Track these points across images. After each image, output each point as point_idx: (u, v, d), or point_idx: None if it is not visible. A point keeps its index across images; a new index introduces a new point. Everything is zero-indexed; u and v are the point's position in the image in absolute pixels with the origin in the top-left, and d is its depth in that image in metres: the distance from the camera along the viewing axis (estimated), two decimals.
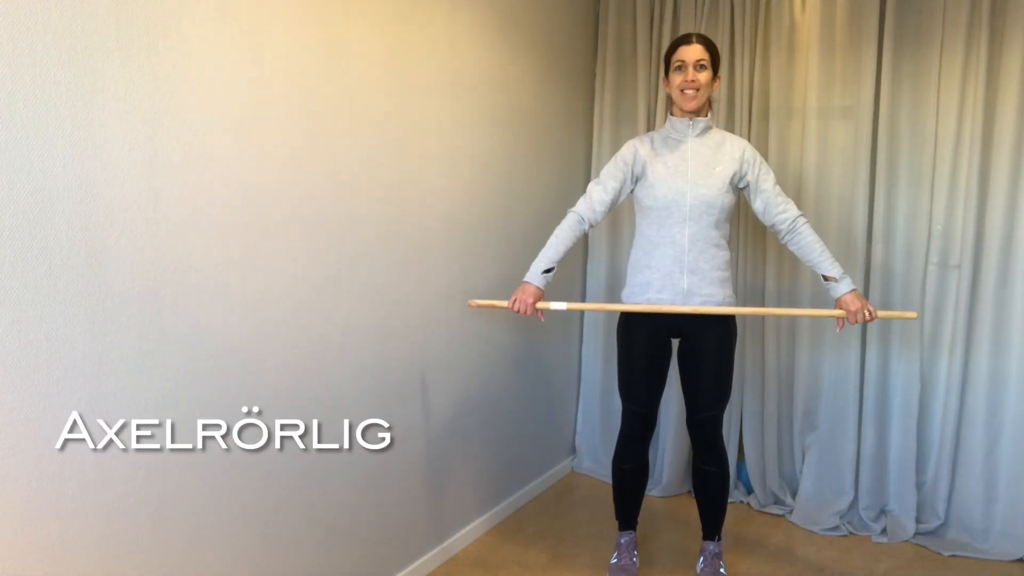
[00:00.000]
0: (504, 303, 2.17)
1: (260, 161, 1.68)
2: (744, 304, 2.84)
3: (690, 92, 2.16)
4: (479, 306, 2.22)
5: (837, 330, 2.19)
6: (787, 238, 2.21)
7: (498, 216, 2.61)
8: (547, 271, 2.19)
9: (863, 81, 2.62)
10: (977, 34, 2.45)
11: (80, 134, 1.32)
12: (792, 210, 2.20)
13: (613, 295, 3.18)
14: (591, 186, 2.30)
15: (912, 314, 2.17)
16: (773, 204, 2.19)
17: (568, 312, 3.18)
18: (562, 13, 2.91)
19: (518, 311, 2.14)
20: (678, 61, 2.17)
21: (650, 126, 3.01)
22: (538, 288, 2.17)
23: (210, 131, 1.56)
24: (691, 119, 2.20)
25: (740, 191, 2.26)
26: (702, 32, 2.72)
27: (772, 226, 2.23)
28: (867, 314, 2.07)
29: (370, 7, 1.95)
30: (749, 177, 2.20)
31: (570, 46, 2.99)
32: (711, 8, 2.85)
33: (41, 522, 1.34)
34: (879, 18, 2.58)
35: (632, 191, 2.28)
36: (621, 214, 3.12)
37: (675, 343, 2.33)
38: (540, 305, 2.16)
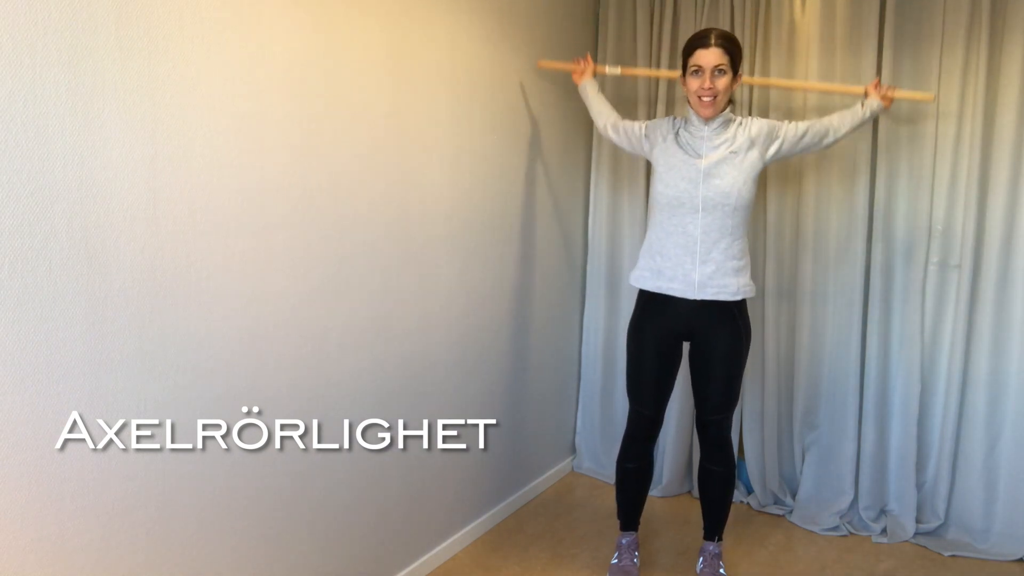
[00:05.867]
0: (571, 65, 2.64)
1: (260, 161, 1.68)
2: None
3: (707, 100, 2.10)
4: (548, 66, 2.71)
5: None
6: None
7: (498, 216, 2.61)
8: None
9: (863, 81, 2.61)
10: (977, 34, 2.45)
11: (80, 134, 1.32)
12: (828, 140, 2.27)
13: (612, 286, 3.18)
14: (618, 121, 2.47)
15: (929, 95, 2.42)
16: (813, 144, 2.27)
17: (568, 313, 3.19)
18: (562, 13, 2.91)
19: (580, 71, 2.60)
20: (695, 65, 2.09)
21: None
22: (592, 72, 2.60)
23: (210, 131, 1.56)
24: (707, 120, 2.17)
25: (768, 166, 2.27)
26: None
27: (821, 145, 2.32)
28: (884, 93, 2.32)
29: (370, 7, 1.95)
30: (769, 151, 2.19)
31: (570, 46, 2.99)
32: (711, 8, 2.85)
33: (41, 522, 1.34)
34: (879, 18, 2.58)
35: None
36: (620, 206, 3.12)
37: (685, 346, 2.33)
38: (598, 70, 2.63)
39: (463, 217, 2.41)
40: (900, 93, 2.38)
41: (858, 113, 2.30)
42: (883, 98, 2.32)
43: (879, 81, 2.39)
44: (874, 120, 2.62)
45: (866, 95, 2.34)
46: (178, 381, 1.56)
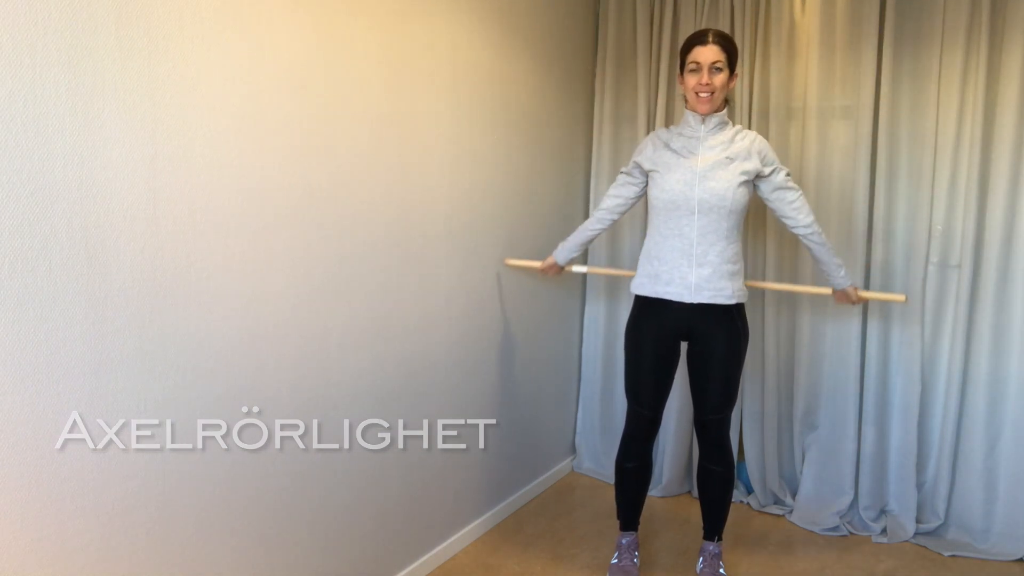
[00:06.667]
0: (536, 264, 2.62)
1: (260, 161, 1.68)
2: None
3: (704, 95, 2.13)
4: (514, 265, 2.67)
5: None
6: (798, 238, 2.32)
7: (498, 216, 2.61)
8: (571, 255, 2.58)
9: (863, 81, 2.62)
10: (977, 34, 2.45)
11: (80, 134, 1.32)
12: (801, 223, 2.23)
13: (613, 289, 3.18)
14: (607, 192, 2.46)
15: (900, 296, 2.38)
16: (784, 213, 2.26)
17: (568, 313, 3.19)
18: (562, 13, 2.91)
19: (545, 274, 2.64)
20: (693, 63, 2.13)
21: (650, 126, 3.01)
22: (562, 266, 2.60)
23: (210, 131, 1.56)
24: (704, 117, 2.19)
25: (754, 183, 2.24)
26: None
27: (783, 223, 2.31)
28: (853, 300, 2.38)
29: (370, 7, 1.95)
30: (762, 172, 2.19)
31: (570, 46, 2.99)
32: (711, 8, 2.85)
33: (41, 522, 1.34)
34: (879, 18, 2.58)
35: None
36: None
37: (683, 345, 2.34)
38: (565, 270, 2.65)
39: (463, 217, 2.41)
40: (869, 295, 2.45)
41: (834, 258, 2.30)
42: (857, 296, 2.37)
43: (855, 287, 2.37)
44: (873, 120, 2.63)
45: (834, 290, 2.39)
46: (178, 381, 1.56)
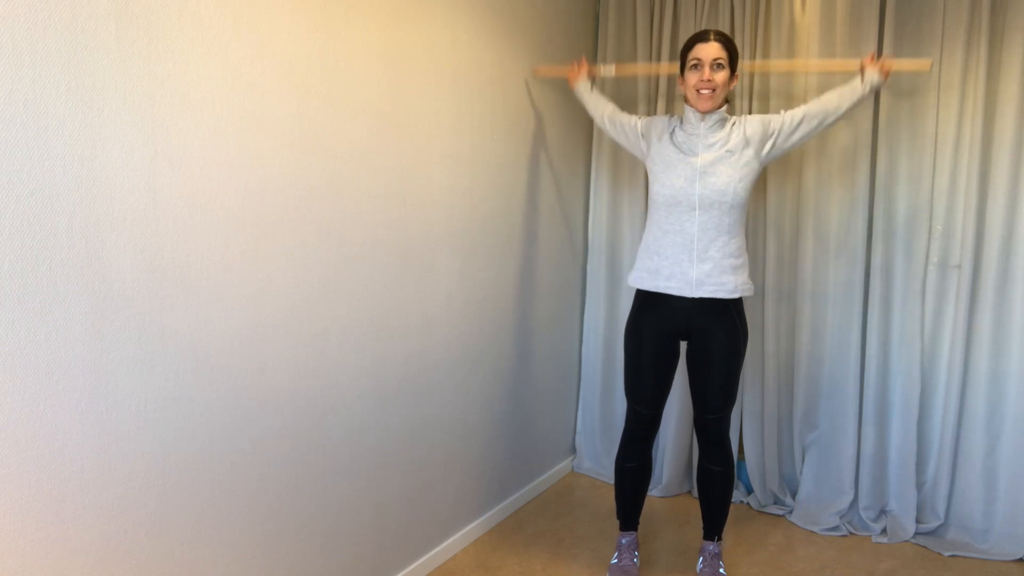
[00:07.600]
0: (565, 69, 2.70)
1: (260, 161, 1.68)
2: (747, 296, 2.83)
3: (705, 92, 2.12)
4: (544, 72, 2.75)
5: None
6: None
7: (498, 216, 2.61)
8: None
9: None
10: (977, 34, 2.45)
11: (80, 134, 1.32)
12: (817, 119, 2.21)
13: (612, 286, 3.18)
14: (614, 113, 2.47)
15: (926, 64, 2.27)
16: (810, 128, 2.22)
17: (568, 313, 3.19)
18: (562, 13, 2.91)
19: (575, 74, 2.63)
20: (694, 59, 2.13)
21: None
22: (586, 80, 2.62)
23: (210, 131, 1.56)
24: (704, 115, 2.18)
25: (767, 162, 2.24)
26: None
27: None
28: (881, 64, 2.23)
29: (370, 7, 1.95)
30: (769, 145, 2.19)
31: (570, 46, 2.99)
32: (711, 8, 2.85)
33: (41, 522, 1.34)
34: (879, 19, 2.58)
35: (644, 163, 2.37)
36: (620, 206, 3.12)
37: (683, 345, 2.34)
38: (592, 71, 2.66)
39: (463, 217, 2.42)
40: (896, 64, 2.29)
41: (857, 89, 2.22)
42: (881, 71, 2.23)
43: (874, 55, 2.28)
44: (873, 121, 2.63)
45: (862, 69, 2.25)
46: (178, 381, 1.56)
